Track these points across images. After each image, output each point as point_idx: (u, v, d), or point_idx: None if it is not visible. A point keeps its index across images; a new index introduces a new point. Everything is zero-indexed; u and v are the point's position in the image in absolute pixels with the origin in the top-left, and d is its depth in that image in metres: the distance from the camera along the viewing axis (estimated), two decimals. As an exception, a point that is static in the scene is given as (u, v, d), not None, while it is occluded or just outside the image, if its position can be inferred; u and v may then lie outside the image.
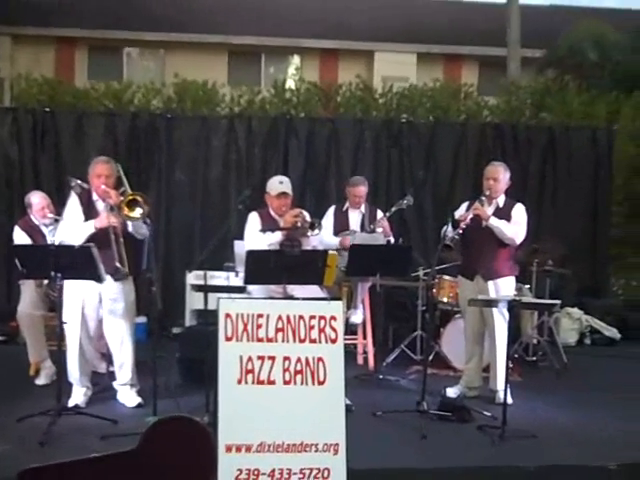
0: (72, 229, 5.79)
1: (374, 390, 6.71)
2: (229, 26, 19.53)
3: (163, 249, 9.26)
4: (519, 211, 6.39)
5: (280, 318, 4.39)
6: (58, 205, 6.81)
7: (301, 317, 4.40)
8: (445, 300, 7.61)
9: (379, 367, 7.30)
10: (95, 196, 5.93)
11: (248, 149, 9.53)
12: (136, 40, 19.44)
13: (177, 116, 9.74)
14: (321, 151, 9.53)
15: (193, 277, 8.70)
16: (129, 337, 6.02)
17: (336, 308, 4.47)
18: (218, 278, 7.94)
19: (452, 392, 6.45)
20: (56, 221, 6.72)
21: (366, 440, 5.23)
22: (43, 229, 6.98)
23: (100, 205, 5.89)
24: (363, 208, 7.66)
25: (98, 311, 5.90)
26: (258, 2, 20.01)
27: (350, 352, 7.64)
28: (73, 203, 5.93)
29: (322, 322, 4.41)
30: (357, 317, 7.45)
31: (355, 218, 7.65)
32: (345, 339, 7.36)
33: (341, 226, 7.60)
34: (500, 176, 6.34)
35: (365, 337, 7.64)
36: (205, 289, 5.87)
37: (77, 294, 5.78)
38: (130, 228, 5.86)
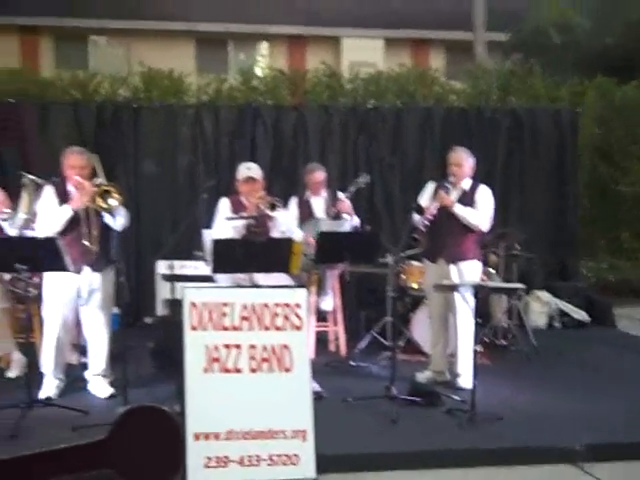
0: (50, 217, 5.80)
1: (345, 377, 6.75)
2: (194, 13, 19.36)
3: (133, 239, 9.19)
4: (484, 194, 6.38)
5: (245, 306, 4.42)
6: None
7: (266, 305, 4.44)
8: (414, 286, 7.62)
9: (350, 354, 7.35)
10: (70, 186, 5.93)
11: (215, 138, 9.48)
12: (101, 29, 19.22)
13: (143, 106, 9.66)
14: (288, 139, 9.49)
15: (163, 266, 8.65)
16: (105, 328, 6.05)
17: (300, 296, 4.49)
18: (188, 267, 7.91)
19: (422, 377, 6.50)
20: (12, 215, 6.69)
21: (336, 426, 5.26)
22: (1, 223, 6.89)
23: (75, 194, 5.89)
24: (324, 194, 7.67)
25: (76, 302, 5.91)
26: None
27: (322, 339, 7.71)
28: (48, 194, 5.93)
29: (287, 310, 4.45)
30: (327, 304, 7.44)
31: (318, 205, 7.60)
32: (316, 326, 7.54)
33: (306, 215, 7.51)
34: (463, 161, 6.35)
35: (336, 324, 7.65)
36: (172, 278, 5.86)
37: (56, 285, 5.81)
38: (106, 219, 5.86)
